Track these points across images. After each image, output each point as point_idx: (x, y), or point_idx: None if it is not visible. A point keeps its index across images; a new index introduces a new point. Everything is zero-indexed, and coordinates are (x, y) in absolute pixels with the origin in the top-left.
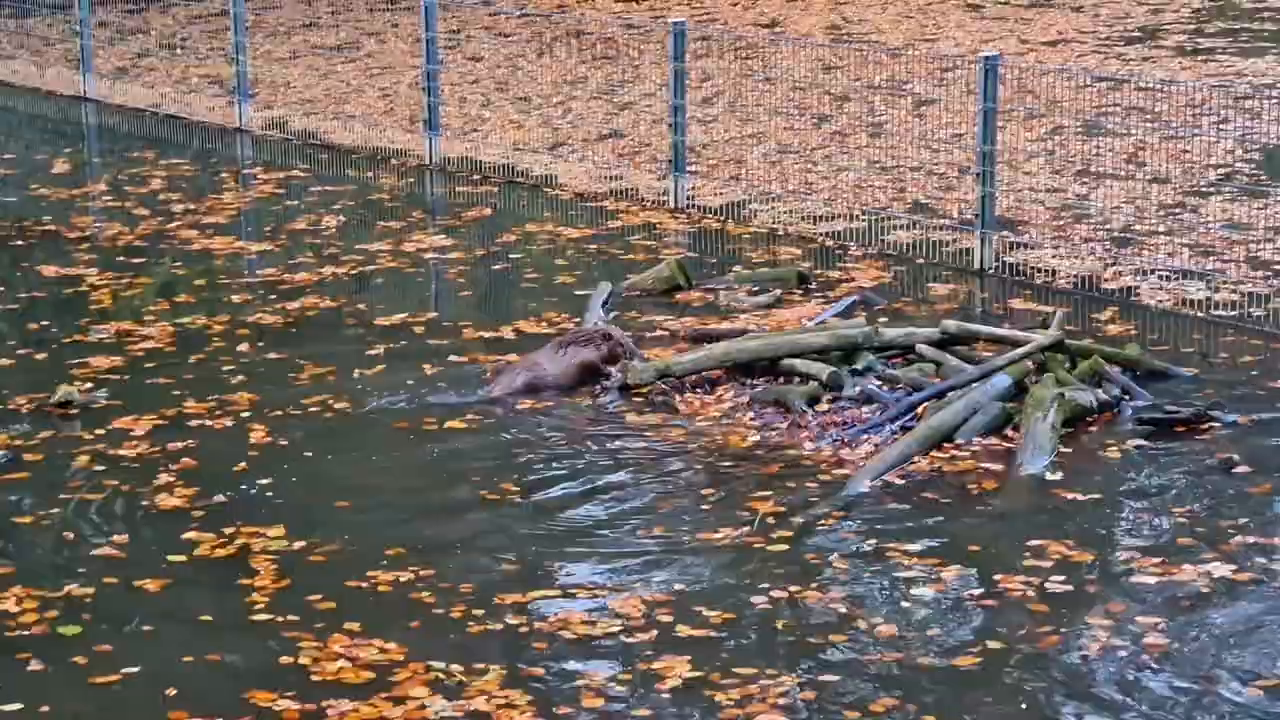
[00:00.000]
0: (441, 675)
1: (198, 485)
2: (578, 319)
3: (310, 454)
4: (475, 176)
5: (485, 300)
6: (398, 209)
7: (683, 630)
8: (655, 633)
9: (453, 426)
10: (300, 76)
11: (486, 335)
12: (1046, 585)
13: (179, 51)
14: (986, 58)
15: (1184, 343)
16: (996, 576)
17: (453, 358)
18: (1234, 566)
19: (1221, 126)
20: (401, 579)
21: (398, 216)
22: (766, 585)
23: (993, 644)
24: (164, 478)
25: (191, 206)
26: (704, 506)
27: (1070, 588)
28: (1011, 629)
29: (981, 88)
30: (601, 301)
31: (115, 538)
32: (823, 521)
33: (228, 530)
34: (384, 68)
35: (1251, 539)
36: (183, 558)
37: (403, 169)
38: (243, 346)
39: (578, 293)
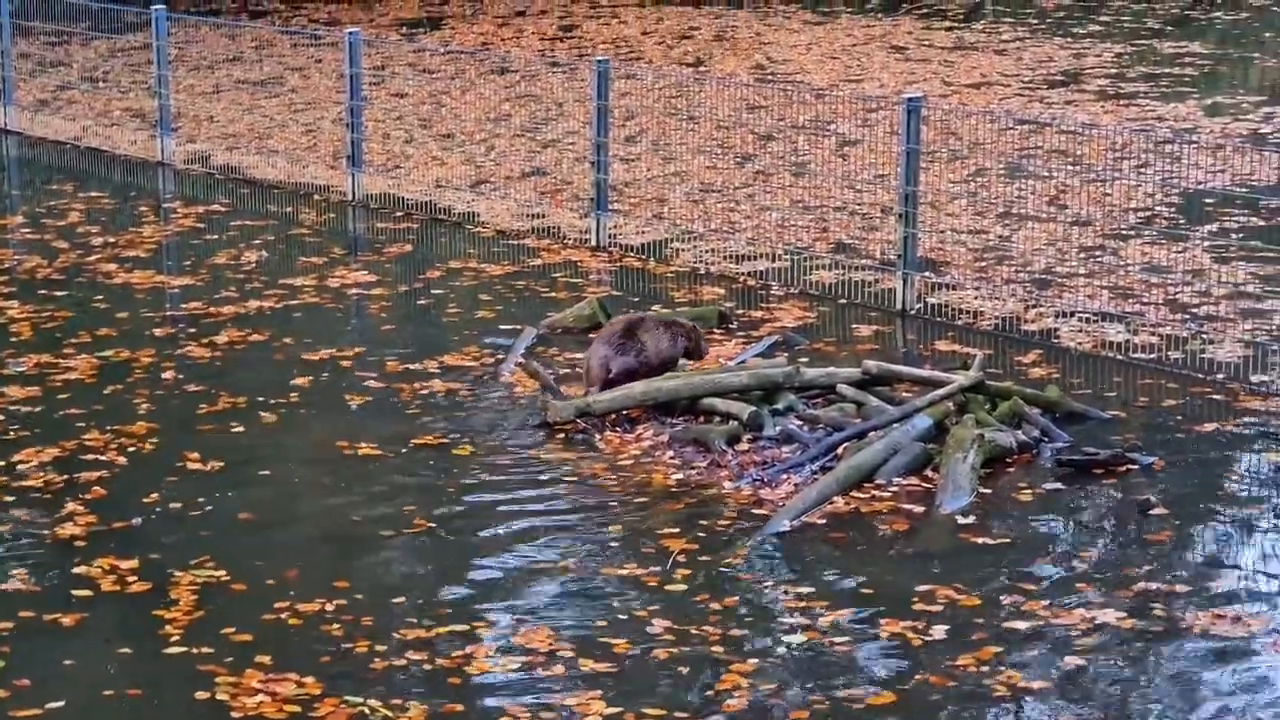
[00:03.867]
0: (366, 711)
1: (107, 515)
2: (500, 355)
3: (226, 485)
4: (398, 213)
5: (409, 335)
6: (320, 244)
7: (586, 665)
8: (561, 668)
9: (370, 455)
10: (224, 111)
11: (412, 368)
12: (930, 630)
13: (101, 84)
14: (910, 99)
15: (1104, 385)
16: (882, 620)
17: (376, 387)
18: (1124, 613)
19: (1142, 170)
20: (312, 611)
21: (320, 252)
22: (668, 624)
23: (844, 692)
24: (71, 507)
25: (111, 240)
26: (614, 544)
27: (946, 631)
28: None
29: (905, 129)
30: (525, 345)
31: (18, 571)
32: (734, 561)
33: (138, 562)
34: (308, 103)
35: (1154, 585)
36: (89, 592)
37: (325, 205)
38: (167, 377)
39: (503, 327)
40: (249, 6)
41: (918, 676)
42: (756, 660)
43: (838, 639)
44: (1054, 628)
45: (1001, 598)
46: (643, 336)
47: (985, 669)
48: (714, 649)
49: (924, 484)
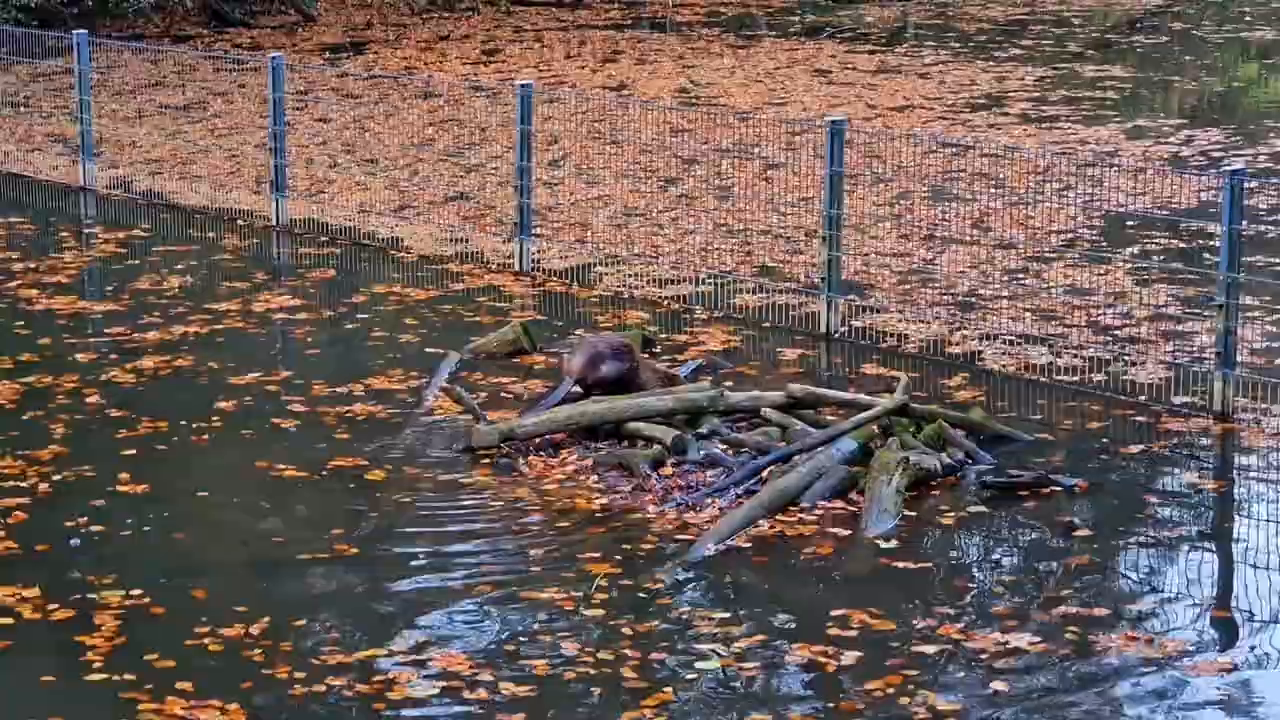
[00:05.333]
0: None
1: (28, 540)
2: (424, 379)
3: (149, 509)
4: (322, 238)
5: (333, 359)
6: (244, 269)
7: (506, 689)
8: (483, 692)
9: (294, 479)
10: (146, 136)
11: (339, 390)
12: (842, 656)
13: (22, 109)
14: (833, 122)
15: (1028, 408)
16: (795, 646)
17: (301, 411)
18: (1038, 637)
19: (1064, 193)
20: (234, 636)
21: (244, 277)
22: (587, 648)
23: (752, 716)
24: None
25: (32, 265)
26: (535, 568)
27: (858, 657)
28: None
29: (829, 152)
30: (449, 370)
31: None
32: (655, 585)
33: (57, 587)
34: (231, 128)
35: (1073, 609)
36: (9, 620)
37: (248, 230)
38: (90, 402)
39: (429, 350)
40: (171, 31)
41: (829, 703)
42: (671, 686)
43: (751, 664)
44: (968, 651)
45: (917, 623)
46: (639, 357)
47: (897, 693)
48: (631, 674)
49: (849, 507)
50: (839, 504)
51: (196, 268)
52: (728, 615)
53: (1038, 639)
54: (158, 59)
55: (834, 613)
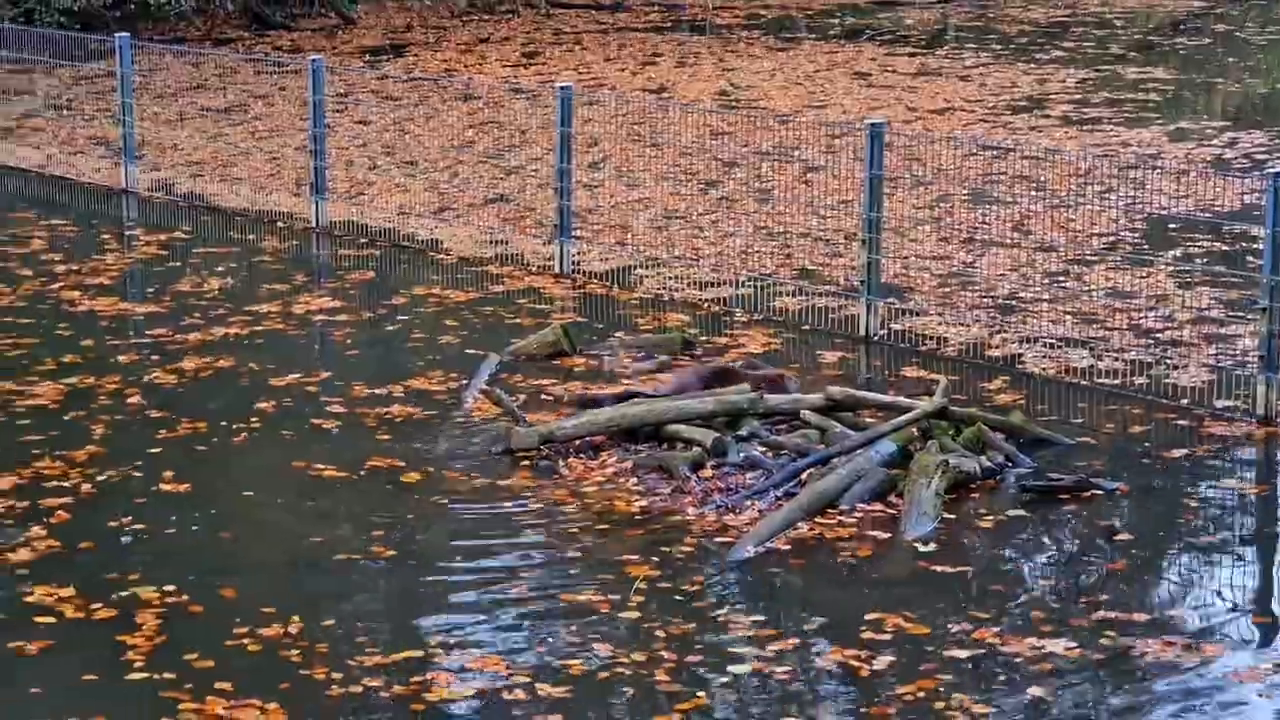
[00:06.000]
0: None
1: (70, 539)
2: (464, 380)
3: (189, 509)
4: (361, 240)
5: (373, 360)
6: (284, 271)
7: (544, 691)
8: (519, 694)
9: (334, 479)
10: (187, 139)
11: (378, 392)
12: (875, 660)
13: (65, 112)
14: (873, 125)
15: (1069, 411)
16: (829, 649)
17: (341, 412)
18: (1074, 642)
19: (1106, 196)
20: (272, 636)
21: (284, 279)
22: (625, 651)
23: None
24: (34, 531)
25: (75, 267)
26: (573, 571)
27: (891, 661)
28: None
29: (869, 155)
30: (489, 372)
31: None
32: (695, 588)
33: (99, 586)
34: (271, 130)
35: (1113, 614)
36: (52, 619)
37: (288, 232)
38: (132, 403)
39: (468, 351)
40: (213, 34)
41: (862, 707)
42: (704, 690)
43: (784, 668)
44: (1003, 656)
45: (953, 628)
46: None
47: (930, 698)
48: (665, 677)
49: (888, 510)
50: (878, 507)
51: (237, 269)
52: (764, 618)
53: (1074, 644)
54: (199, 62)
55: (869, 616)
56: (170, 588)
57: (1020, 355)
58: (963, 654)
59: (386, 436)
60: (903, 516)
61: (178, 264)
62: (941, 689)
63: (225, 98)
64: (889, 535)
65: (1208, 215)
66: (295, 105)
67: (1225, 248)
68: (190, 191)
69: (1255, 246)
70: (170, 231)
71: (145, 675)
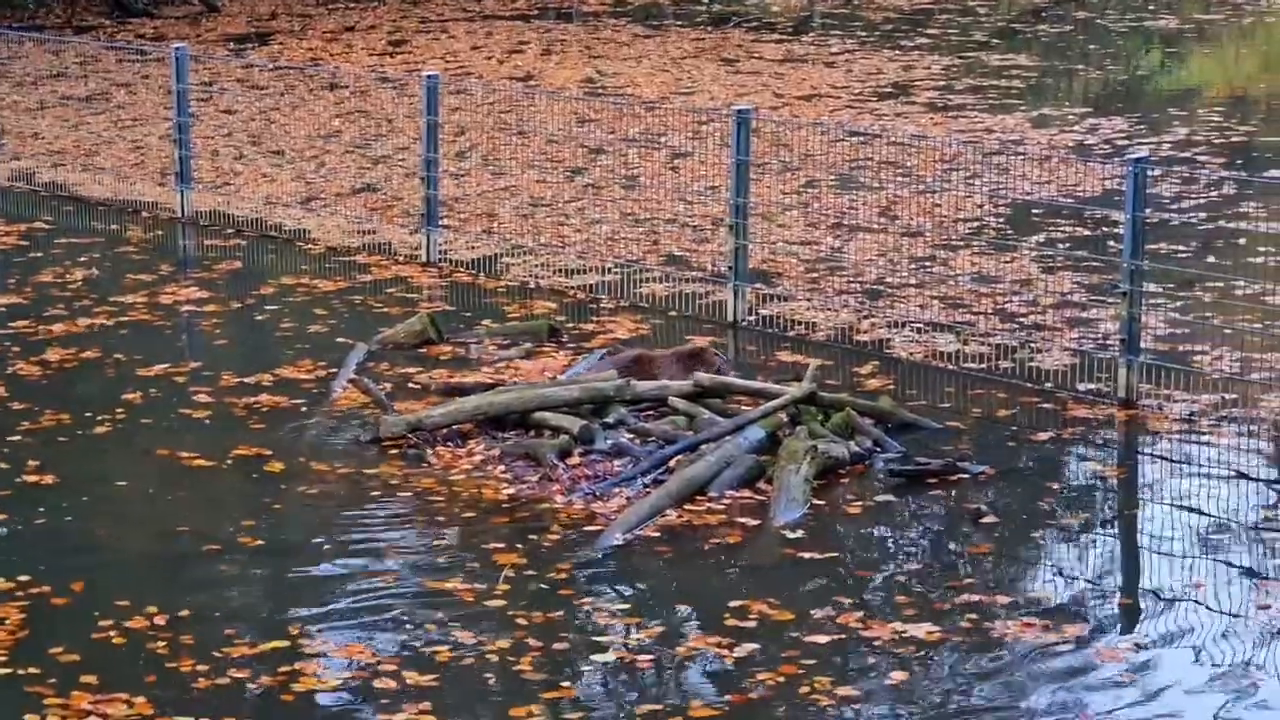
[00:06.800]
0: None
1: None
2: (334, 369)
3: (54, 500)
4: (228, 230)
5: (242, 350)
6: (149, 262)
7: (411, 679)
8: (387, 683)
9: (201, 469)
10: (48, 127)
11: (246, 381)
12: (737, 647)
13: None
14: (740, 111)
15: (937, 395)
16: (693, 637)
17: (209, 402)
18: (937, 625)
19: (971, 181)
20: (139, 628)
21: (150, 269)
22: (491, 639)
23: (644, 708)
24: None
25: None
26: (440, 559)
27: (754, 648)
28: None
29: (735, 141)
30: (356, 361)
31: None
32: (562, 575)
33: None
34: (135, 120)
35: (976, 597)
36: None
37: (153, 222)
38: None
39: (337, 340)
40: (73, 22)
41: (725, 694)
42: (569, 679)
43: (648, 656)
44: (867, 640)
45: (815, 613)
46: (651, 365)
47: (793, 684)
48: (529, 667)
49: (757, 496)
50: (747, 493)
51: (101, 260)
52: (629, 606)
53: (936, 628)
54: (59, 50)
55: (734, 603)
56: (33, 580)
57: (889, 340)
58: (825, 639)
59: (255, 425)
60: (771, 503)
61: (40, 255)
62: (803, 674)
63: (87, 86)
64: (758, 522)
65: (1070, 200)
66: (159, 94)
67: (1087, 233)
68: (52, 181)
69: (1116, 231)
70: (30, 222)
71: (9, 670)
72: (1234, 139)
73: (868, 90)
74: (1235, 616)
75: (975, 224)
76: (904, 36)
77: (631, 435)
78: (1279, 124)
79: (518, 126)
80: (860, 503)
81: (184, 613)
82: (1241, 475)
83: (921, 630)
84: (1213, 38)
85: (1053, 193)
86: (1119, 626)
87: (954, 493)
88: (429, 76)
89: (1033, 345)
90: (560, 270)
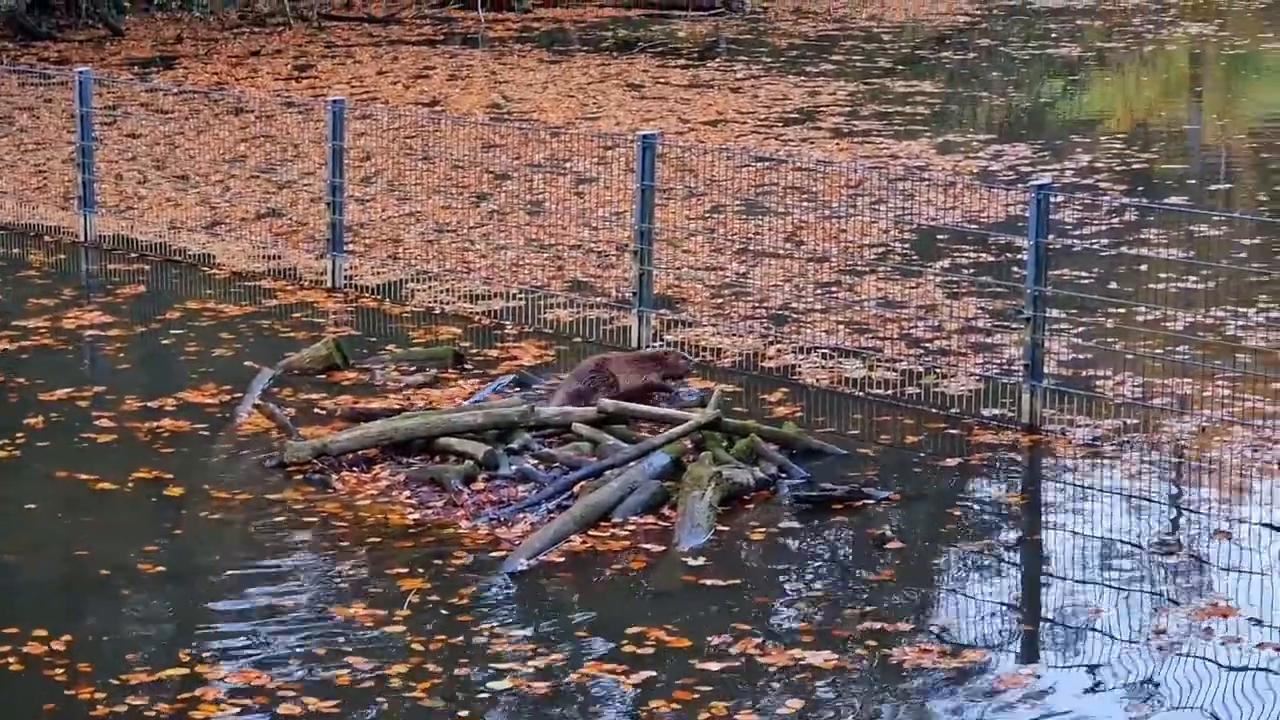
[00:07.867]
0: None
1: None
2: (238, 394)
3: None
4: (132, 254)
5: (146, 375)
6: (51, 286)
7: (312, 705)
8: (289, 709)
9: (101, 493)
10: None
11: (150, 405)
12: (631, 674)
13: None
14: (645, 136)
15: (844, 421)
16: (590, 663)
17: (111, 426)
18: (834, 653)
19: (876, 207)
20: (36, 654)
21: (52, 293)
22: (392, 664)
23: None
24: None
25: None
26: (344, 585)
27: (649, 676)
28: None
29: (640, 166)
30: (262, 386)
31: None
32: (465, 601)
33: None
34: (38, 143)
35: (878, 625)
36: None
37: (56, 246)
38: None
39: (243, 365)
40: None
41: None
42: (467, 706)
43: (545, 683)
44: (764, 667)
45: (712, 638)
46: (612, 370)
47: (689, 711)
48: (426, 694)
49: (662, 522)
50: (651, 519)
51: (3, 284)
52: (530, 633)
53: (834, 655)
54: None
55: (632, 630)
56: None
57: (795, 366)
58: (719, 666)
59: (159, 450)
60: (676, 529)
61: None
62: (699, 700)
63: None
64: (662, 548)
65: (974, 226)
66: (62, 118)
67: (991, 258)
68: None
69: (1020, 257)
70: None
71: None
72: (1135, 166)
73: (773, 116)
74: (1133, 642)
75: (881, 249)
76: (809, 63)
77: (536, 461)
78: (1179, 152)
79: (423, 152)
80: (764, 529)
81: (83, 639)
82: (1143, 499)
83: (820, 658)
84: (1114, 65)
85: (957, 218)
86: (1020, 652)
87: (858, 519)
88: (334, 101)
89: (938, 371)
90: (465, 296)
